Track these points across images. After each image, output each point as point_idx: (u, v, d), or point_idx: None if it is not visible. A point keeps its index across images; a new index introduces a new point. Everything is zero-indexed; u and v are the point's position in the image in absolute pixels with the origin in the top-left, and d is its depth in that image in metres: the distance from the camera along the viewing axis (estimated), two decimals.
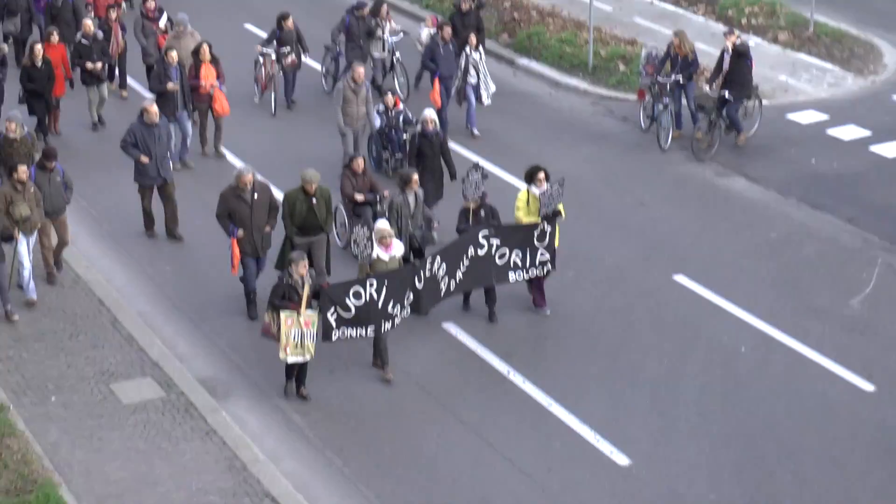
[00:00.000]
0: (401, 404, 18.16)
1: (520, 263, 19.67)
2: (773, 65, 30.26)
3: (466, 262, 19.33)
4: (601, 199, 24.24)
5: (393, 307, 18.29)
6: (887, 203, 24.20)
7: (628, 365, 18.94)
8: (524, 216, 19.79)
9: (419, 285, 18.68)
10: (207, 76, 25.03)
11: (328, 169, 22.86)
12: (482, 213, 19.77)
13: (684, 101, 26.25)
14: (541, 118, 27.68)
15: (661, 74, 25.80)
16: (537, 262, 19.77)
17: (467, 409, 17.94)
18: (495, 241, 19.45)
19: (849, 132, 27.03)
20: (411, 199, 20.12)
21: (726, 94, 25.31)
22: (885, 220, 23.48)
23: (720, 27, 31.88)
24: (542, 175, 19.75)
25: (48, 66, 25.38)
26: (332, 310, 17.78)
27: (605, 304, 20.58)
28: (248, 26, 33.22)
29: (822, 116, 27.75)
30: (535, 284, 20.07)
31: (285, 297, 17.55)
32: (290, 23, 27.53)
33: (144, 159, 21.79)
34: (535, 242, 19.66)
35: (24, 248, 19.88)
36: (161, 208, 22.45)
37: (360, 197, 21.21)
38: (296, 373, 18.09)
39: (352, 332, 18.08)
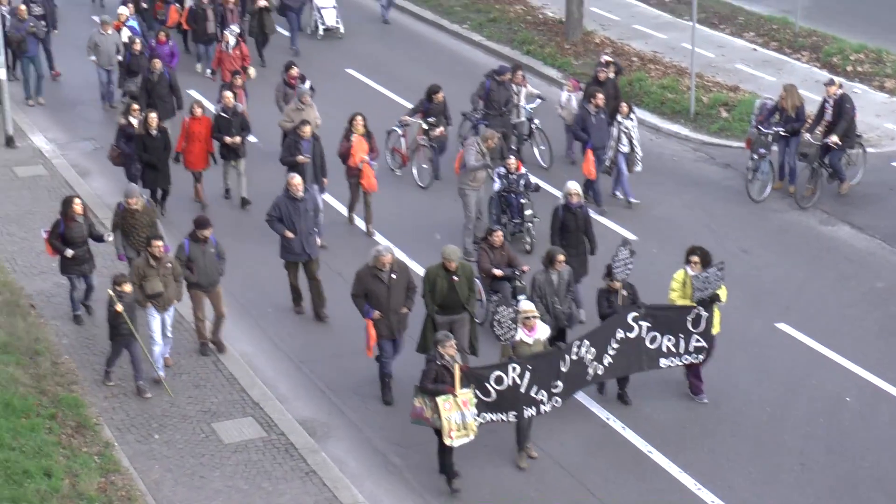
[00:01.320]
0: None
1: (673, 349, 18.48)
2: (878, 112, 29.91)
3: (615, 346, 18.19)
4: (702, 244, 23.95)
5: (538, 392, 17.34)
6: None
7: (731, 413, 18.71)
8: (678, 298, 18.63)
9: (564, 369, 17.60)
10: (358, 150, 23.88)
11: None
12: (625, 292, 18.62)
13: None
14: (642, 164, 27.49)
15: (764, 125, 25.59)
16: (692, 349, 18.56)
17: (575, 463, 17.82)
18: (645, 324, 18.31)
19: None
20: (555, 277, 19.03)
21: (830, 141, 25.05)
22: None
23: (824, 74, 31.62)
24: (695, 258, 18.61)
25: (164, 135, 24.46)
26: (473, 393, 16.97)
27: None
28: (351, 71, 33.53)
29: None
30: (692, 370, 18.87)
31: (437, 379, 16.70)
32: (440, 96, 26.42)
33: (289, 235, 20.81)
34: (690, 327, 18.44)
35: (158, 324, 19.14)
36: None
37: (498, 272, 20.31)
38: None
39: (492, 416, 17.21)
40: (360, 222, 24.49)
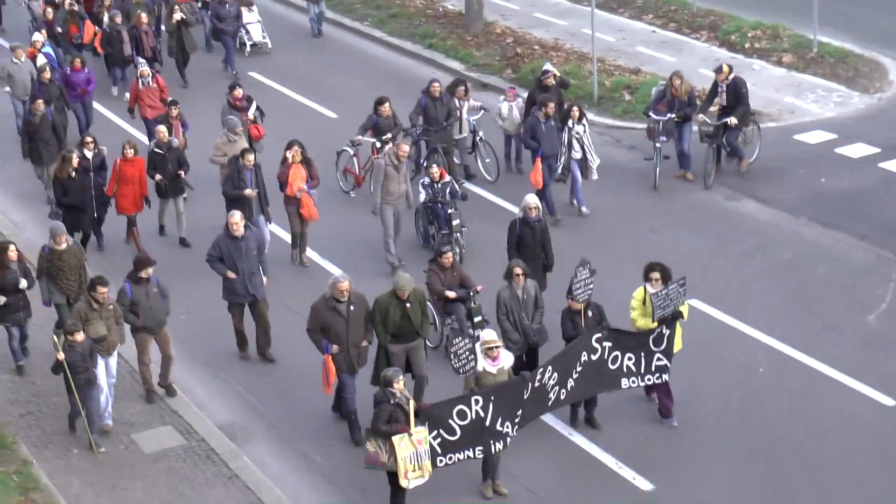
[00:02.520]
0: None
1: (633, 369, 17.82)
2: (778, 87, 30.33)
3: (579, 369, 17.49)
4: (612, 227, 24.27)
5: (502, 424, 16.55)
6: None
7: (644, 389, 18.90)
8: (639, 317, 18.04)
9: (525, 396, 16.82)
10: (295, 178, 22.78)
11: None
12: (590, 313, 17.95)
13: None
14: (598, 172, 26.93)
15: (656, 112, 25.69)
16: (653, 368, 17.88)
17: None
18: (607, 345, 17.66)
19: (857, 150, 27.03)
20: (520, 292, 18.32)
21: (728, 121, 25.29)
22: None
23: (724, 53, 32.02)
24: (655, 275, 17.93)
25: (83, 174, 22.94)
26: (436, 433, 16.16)
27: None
28: (278, 87, 33.40)
29: (830, 136, 27.78)
30: (663, 391, 18.20)
31: (391, 419, 15.91)
32: (386, 107, 25.46)
33: (231, 275, 19.71)
34: (651, 346, 17.82)
35: (102, 370, 18.12)
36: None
37: (451, 294, 19.56)
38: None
39: (458, 456, 16.41)
40: (312, 254, 23.53)
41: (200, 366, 20.30)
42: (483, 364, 16.69)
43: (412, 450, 15.83)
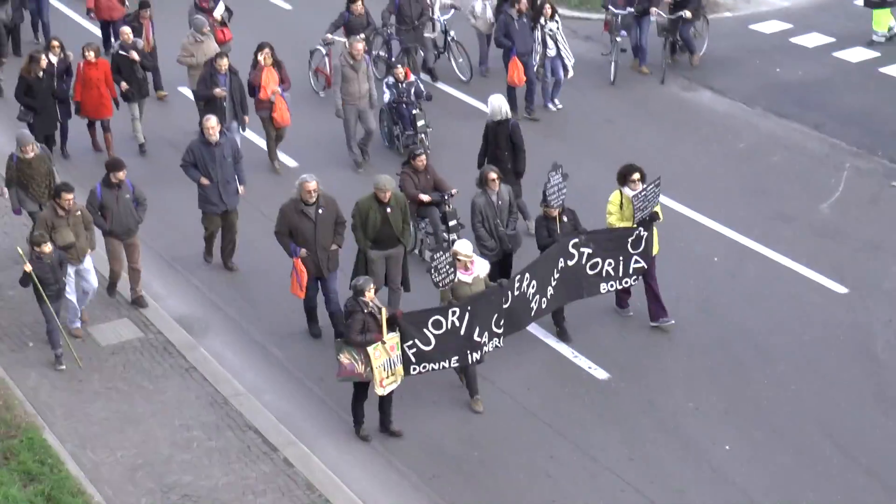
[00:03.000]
0: None
1: (612, 273, 17.57)
2: None
3: (557, 276, 17.24)
4: (567, 118, 24.24)
5: (479, 335, 16.25)
6: (853, 109, 24.31)
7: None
8: (616, 221, 17.66)
9: (506, 306, 16.53)
10: (268, 82, 22.27)
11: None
12: (565, 218, 17.60)
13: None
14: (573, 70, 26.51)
15: (616, 6, 25.46)
16: (630, 271, 17.64)
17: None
18: (586, 250, 17.36)
19: (812, 40, 27.05)
20: (494, 198, 17.91)
21: (683, 14, 25.15)
22: (852, 126, 23.60)
23: None
24: (636, 176, 17.54)
25: (49, 78, 22.20)
26: (411, 342, 15.89)
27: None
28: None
29: (786, 25, 27.76)
30: (652, 294, 17.88)
31: (364, 329, 15.60)
32: (359, 5, 24.82)
33: (204, 182, 19.17)
34: (630, 249, 17.54)
35: (71, 278, 17.77)
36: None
37: (425, 197, 19.08)
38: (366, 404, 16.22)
39: (433, 365, 16.11)
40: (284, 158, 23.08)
41: (157, 259, 20.21)
42: (458, 275, 16.34)
43: (386, 357, 15.59)
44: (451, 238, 18.78)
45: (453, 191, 19.30)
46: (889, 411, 16.21)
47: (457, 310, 16.03)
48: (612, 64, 25.45)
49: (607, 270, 17.55)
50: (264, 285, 19.34)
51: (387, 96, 22.70)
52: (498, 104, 20.14)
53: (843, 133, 23.35)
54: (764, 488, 15.11)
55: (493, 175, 17.92)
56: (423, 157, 19.16)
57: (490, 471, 15.60)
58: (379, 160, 22.57)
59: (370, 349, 15.46)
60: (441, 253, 16.10)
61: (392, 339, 15.66)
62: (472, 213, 17.86)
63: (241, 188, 19.62)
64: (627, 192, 17.55)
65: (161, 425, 16.30)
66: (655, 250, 17.79)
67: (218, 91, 21.86)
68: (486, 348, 16.40)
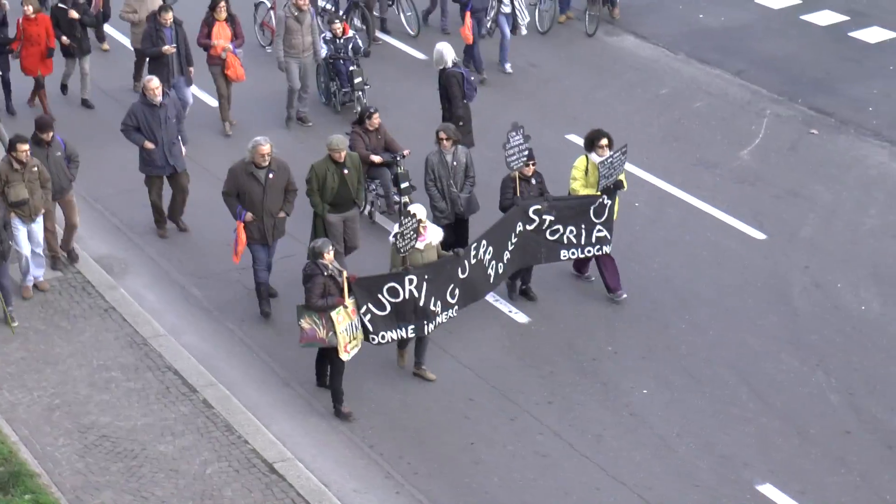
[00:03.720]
0: None
1: (574, 241, 17.16)
2: None
3: (514, 240, 16.87)
4: (490, 63, 24.12)
5: (435, 304, 15.86)
6: (774, 55, 24.48)
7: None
8: (580, 188, 17.24)
9: (463, 275, 16.16)
10: (219, 36, 21.35)
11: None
12: (533, 181, 17.15)
13: None
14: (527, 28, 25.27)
15: None
16: (593, 240, 17.23)
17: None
18: (548, 217, 16.95)
19: None
20: (449, 157, 17.40)
21: None
22: (773, 72, 23.78)
23: None
24: (604, 141, 17.10)
25: None
26: (365, 309, 15.46)
27: (498, 167, 20.61)
28: None
29: None
30: (607, 265, 17.52)
31: (325, 292, 15.11)
32: None
33: (149, 145, 18.48)
34: (593, 217, 17.12)
35: (24, 235, 17.15)
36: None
37: (376, 158, 18.54)
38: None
39: (391, 334, 15.70)
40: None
41: (78, 199, 19.87)
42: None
43: (349, 321, 15.21)
44: (402, 200, 18.41)
45: (405, 151, 18.78)
46: (805, 357, 16.44)
47: (414, 278, 15.57)
48: (538, 11, 25.32)
49: (568, 238, 17.17)
50: (190, 230, 19.21)
51: (324, 51, 22.08)
52: (438, 53, 20.04)
53: (764, 80, 23.52)
54: (680, 432, 15.29)
55: (444, 134, 17.43)
56: (377, 116, 18.60)
57: (410, 413, 15.66)
58: (315, 117, 22.11)
59: (333, 314, 15.03)
60: (409, 218, 15.43)
61: (353, 302, 15.31)
62: (425, 170, 17.42)
63: (183, 148, 19.00)
64: (594, 157, 17.09)
65: (79, 366, 16.19)
66: (614, 217, 17.43)
67: (167, 48, 21.02)
68: (439, 318, 15.99)
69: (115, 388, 15.86)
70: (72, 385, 15.91)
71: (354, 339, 15.37)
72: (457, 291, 16.14)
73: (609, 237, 17.28)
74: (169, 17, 21.25)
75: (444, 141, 17.41)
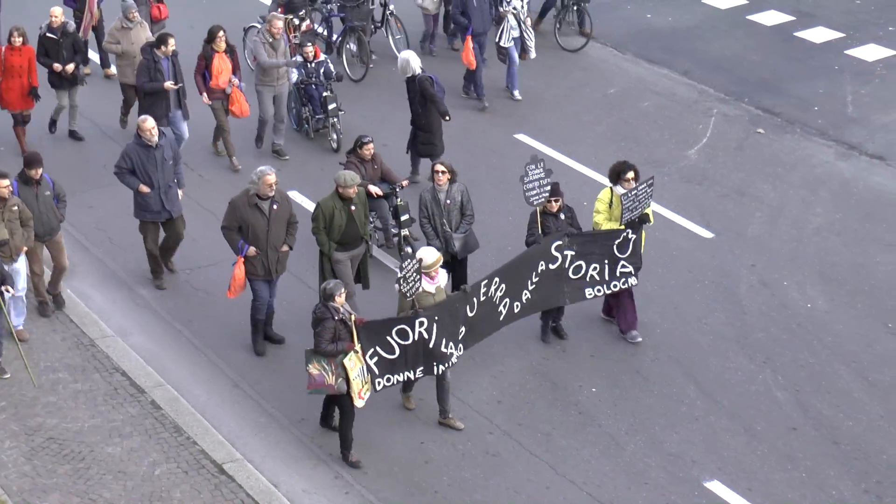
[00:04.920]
0: None
1: (598, 278, 16.40)
2: None
3: (535, 280, 16.11)
4: (433, 62, 24.06)
5: (446, 345, 15.15)
6: (721, 55, 24.63)
7: (475, 226, 18.91)
8: (604, 221, 16.44)
9: (471, 314, 15.49)
10: (221, 70, 20.18)
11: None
12: (562, 216, 16.30)
13: None
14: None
15: None
16: (618, 275, 16.46)
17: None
18: (569, 253, 16.18)
19: None
20: (442, 196, 16.63)
21: None
22: (720, 72, 23.93)
23: None
24: (630, 174, 16.24)
25: None
26: (373, 352, 14.78)
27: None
28: None
29: None
30: (625, 303, 16.77)
31: (336, 337, 14.44)
32: None
33: (144, 189, 17.36)
34: (617, 253, 16.35)
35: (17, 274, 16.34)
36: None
37: (375, 190, 17.70)
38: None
39: (398, 377, 15.04)
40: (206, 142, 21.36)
41: None
42: (422, 283, 15.10)
43: (360, 366, 14.55)
44: (401, 233, 17.94)
45: (403, 182, 18.15)
46: (752, 355, 16.55)
47: (424, 320, 14.87)
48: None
49: (592, 275, 16.40)
50: (131, 226, 19.05)
51: (294, 76, 21.33)
52: (403, 61, 19.78)
53: (711, 79, 23.67)
54: (629, 430, 15.36)
55: (440, 168, 16.63)
56: (371, 145, 17.80)
57: (359, 413, 15.44)
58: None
59: (346, 361, 14.37)
60: (409, 261, 14.81)
61: (361, 346, 14.63)
62: (419, 207, 16.71)
63: (180, 192, 17.84)
64: (619, 190, 16.31)
65: (26, 368, 16.06)
66: (642, 250, 16.70)
67: (168, 84, 19.83)
68: (453, 359, 15.31)
69: (62, 389, 15.75)
70: (18, 387, 15.78)
71: (367, 383, 14.66)
72: (462, 329, 15.44)
73: (633, 272, 16.53)
74: (170, 48, 19.90)
75: (441, 175, 16.57)
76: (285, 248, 16.36)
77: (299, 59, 21.28)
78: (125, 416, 15.38)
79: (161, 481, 14.46)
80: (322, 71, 21.26)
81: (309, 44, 21.54)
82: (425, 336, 14.93)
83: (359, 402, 14.58)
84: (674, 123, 22.27)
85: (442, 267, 15.77)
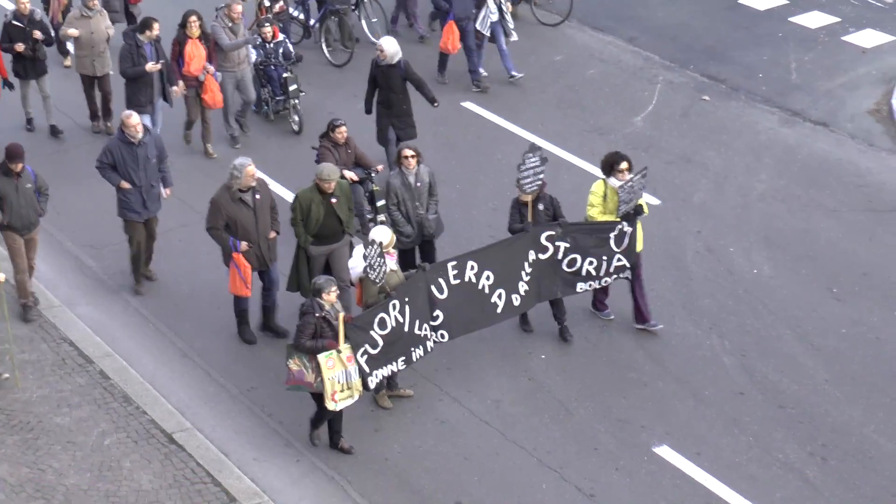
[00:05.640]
0: None
1: (593, 273, 16.06)
2: None
3: (529, 270, 15.78)
4: (381, 32, 24.05)
5: (420, 327, 15.01)
6: (667, 23, 24.73)
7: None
8: (598, 215, 16.09)
9: (441, 296, 15.16)
10: (194, 56, 19.62)
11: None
12: (541, 205, 16.04)
13: None
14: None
15: None
16: (612, 269, 16.10)
17: None
18: (562, 244, 15.85)
19: None
20: (412, 178, 16.36)
21: None
22: (665, 40, 24.02)
23: None
24: (624, 165, 15.91)
25: None
26: (363, 350, 14.42)
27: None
28: None
29: None
30: (638, 294, 16.43)
31: (317, 334, 14.15)
32: None
33: (125, 185, 16.67)
34: (613, 246, 16.00)
35: None
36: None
37: (350, 175, 17.25)
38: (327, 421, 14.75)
39: (384, 371, 14.76)
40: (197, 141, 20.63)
41: None
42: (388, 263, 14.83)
43: (341, 369, 14.13)
44: (377, 219, 17.59)
45: (379, 167, 17.81)
46: (698, 320, 16.68)
47: (396, 302, 14.66)
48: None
49: (588, 270, 16.06)
50: (79, 196, 18.97)
51: (253, 56, 20.75)
52: (395, 48, 19.03)
53: (656, 47, 23.76)
54: (578, 397, 15.45)
55: (409, 152, 16.32)
56: (344, 128, 17.37)
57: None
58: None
59: (322, 357, 14.02)
60: (371, 248, 14.45)
61: (348, 348, 14.22)
62: (387, 195, 16.46)
63: (165, 191, 17.18)
64: (614, 182, 15.97)
65: None
66: (640, 247, 16.38)
67: (150, 66, 19.16)
68: (428, 343, 15.16)
69: (8, 360, 15.64)
70: None
71: (347, 388, 14.27)
72: (440, 315, 15.22)
73: (628, 266, 16.18)
74: (154, 32, 19.29)
75: (410, 159, 16.30)
76: (273, 234, 16.00)
77: (258, 38, 20.83)
78: (73, 386, 15.32)
79: (111, 451, 14.44)
80: (281, 51, 20.88)
81: (267, 24, 21.05)
82: (400, 319, 14.70)
83: (330, 405, 14.18)
84: (619, 91, 22.35)
85: (411, 250, 15.74)
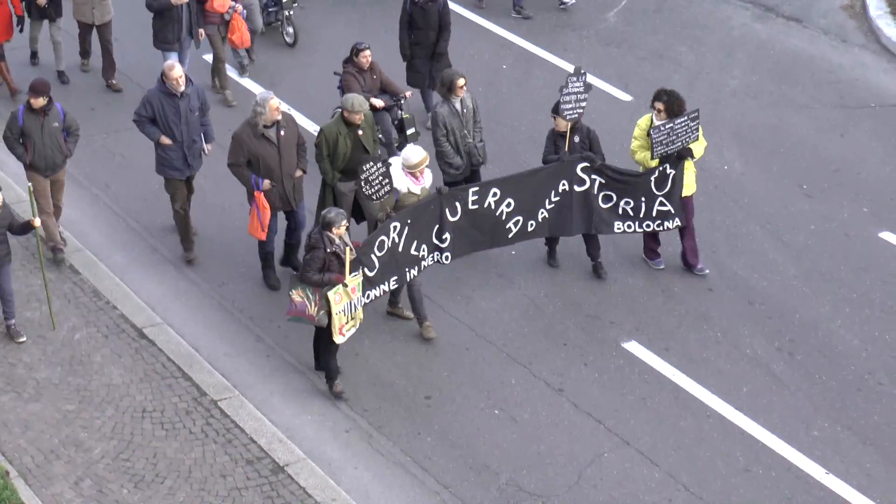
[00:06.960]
0: None
1: (630, 213, 15.38)
2: None
3: (555, 199, 15.25)
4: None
5: (417, 248, 14.61)
6: None
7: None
8: (639, 149, 15.32)
9: (454, 218, 14.78)
10: None
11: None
12: (577, 137, 15.30)
13: None
14: None
15: None
16: (654, 214, 15.37)
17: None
18: (598, 179, 15.20)
19: None
20: (458, 105, 15.61)
21: None
22: None
23: None
24: (659, 105, 15.14)
25: None
26: (358, 271, 14.04)
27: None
28: None
29: None
30: (687, 236, 15.70)
31: (325, 268, 13.66)
32: None
33: (165, 141, 15.53)
34: (654, 189, 15.25)
35: None
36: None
37: (377, 102, 16.46)
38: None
39: (375, 292, 14.31)
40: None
41: None
42: (407, 184, 14.51)
43: (347, 301, 13.75)
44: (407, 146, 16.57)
45: (407, 93, 17.03)
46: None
47: (397, 224, 14.26)
48: None
49: (624, 209, 15.41)
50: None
51: None
52: None
53: None
54: (548, 293, 15.51)
55: (462, 81, 15.56)
56: (368, 52, 16.52)
57: (282, 279, 15.61)
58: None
59: (330, 294, 13.57)
60: (372, 163, 14.08)
61: (354, 279, 13.79)
62: (435, 125, 15.67)
63: (207, 147, 16.08)
64: (655, 120, 15.24)
65: None
66: (692, 190, 15.54)
67: None
68: (424, 262, 14.81)
69: (43, 306, 15.17)
70: None
71: (352, 319, 13.96)
72: (447, 235, 14.82)
73: (673, 211, 15.37)
74: None
75: (461, 89, 15.53)
76: (299, 173, 15.19)
77: None
78: (43, 280, 15.26)
79: (81, 345, 14.46)
80: None
81: None
82: (397, 240, 14.32)
83: (338, 339, 13.86)
84: None
85: (461, 180, 15.33)
